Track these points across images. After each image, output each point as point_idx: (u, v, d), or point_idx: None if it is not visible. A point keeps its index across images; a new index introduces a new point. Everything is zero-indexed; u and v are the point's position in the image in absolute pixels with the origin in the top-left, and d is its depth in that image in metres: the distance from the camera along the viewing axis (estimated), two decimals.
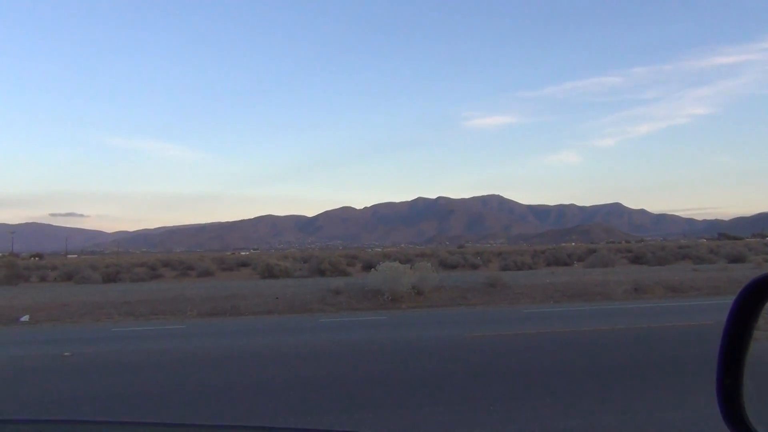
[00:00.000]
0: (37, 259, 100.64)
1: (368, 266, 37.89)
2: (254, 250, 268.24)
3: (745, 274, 24.71)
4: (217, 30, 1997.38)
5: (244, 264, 63.13)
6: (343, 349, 11.33)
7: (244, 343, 12.64)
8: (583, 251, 69.36)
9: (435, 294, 21.09)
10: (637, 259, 54.23)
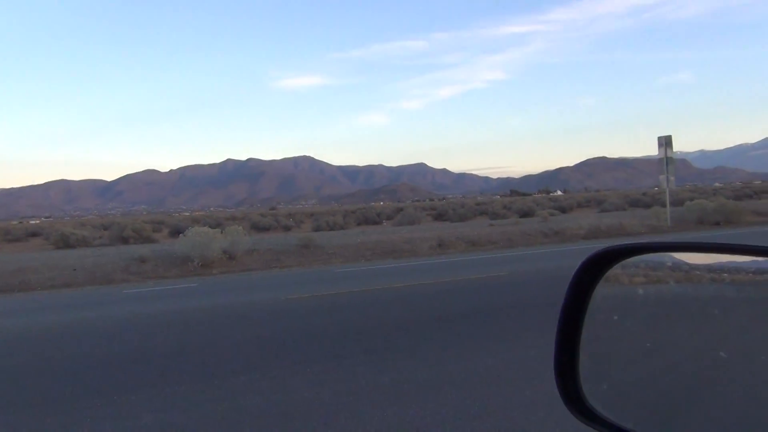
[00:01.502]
0: None
1: (176, 232, 36.28)
2: (46, 218, 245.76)
3: (534, 227, 27.19)
4: None
5: (34, 234, 57.43)
6: (151, 321, 10.73)
7: (37, 321, 11.51)
8: (391, 210, 72.06)
9: (248, 258, 20.74)
10: (440, 216, 57.43)
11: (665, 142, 26.00)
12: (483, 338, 7.77)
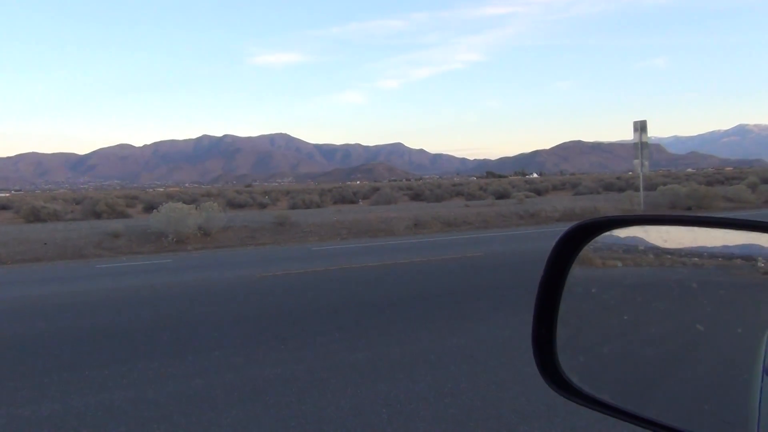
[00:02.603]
0: None
1: (150, 207, 35.75)
2: (16, 191, 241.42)
3: (510, 209, 27.38)
4: None
5: (4, 207, 56.38)
6: (124, 296, 10.62)
7: (6, 295, 11.34)
8: (368, 189, 71.95)
9: (223, 234, 20.60)
10: (416, 197, 57.51)
11: (640, 126, 26.22)
12: (456, 318, 7.82)
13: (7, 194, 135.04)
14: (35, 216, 35.21)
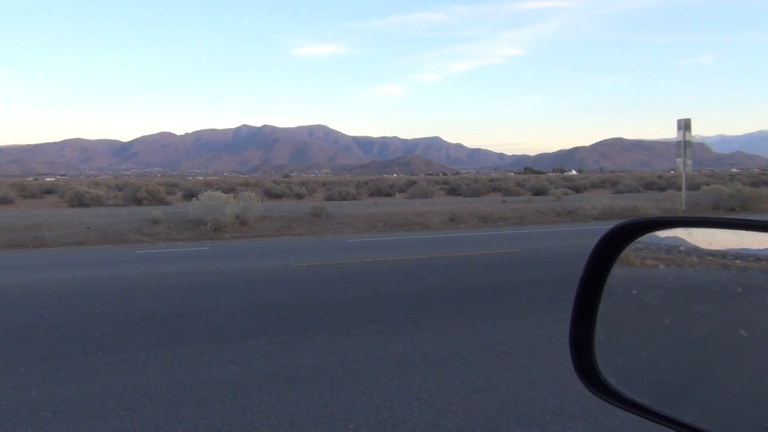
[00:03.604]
0: None
1: (189, 195, 36.39)
2: (61, 176, 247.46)
3: (547, 205, 27.06)
4: None
5: (49, 191, 57.73)
6: (162, 282, 10.82)
7: (49, 277, 11.63)
8: (404, 183, 71.87)
9: (259, 224, 20.82)
10: (453, 191, 57.19)
11: (684, 125, 25.66)
12: (491, 313, 7.78)
13: (53, 179, 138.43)
14: (79, 201, 36.01)
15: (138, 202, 36.38)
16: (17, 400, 4.93)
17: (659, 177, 74.65)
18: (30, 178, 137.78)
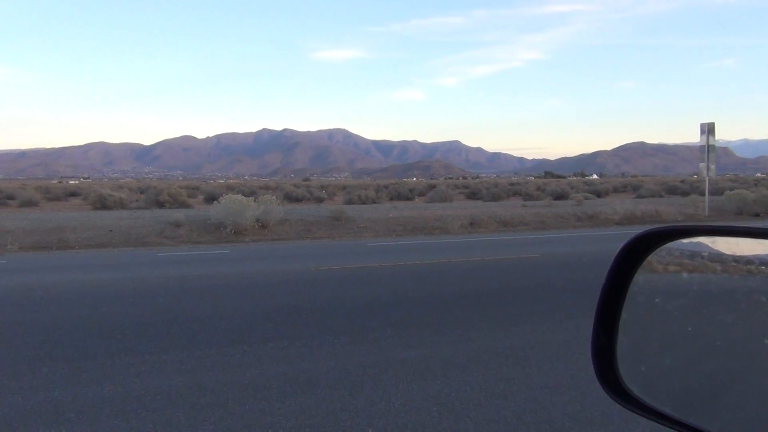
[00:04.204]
0: None
1: (211, 198, 36.70)
2: (85, 179, 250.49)
3: (568, 210, 26.87)
4: None
5: (73, 194, 58.56)
6: (184, 285, 10.92)
7: (72, 279, 11.79)
8: (424, 186, 71.76)
9: (280, 227, 20.92)
10: (473, 195, 57.04)
11: (708, 129, 25.37)
12: (510, 318, 7.75)
13: (77, 181, 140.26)
14: (102, 203, 36.44)
15: (160, 205, 36.74)
16: (41, 401, 5.01)
17: (682, 181, 73.82)
18: (54, 181, 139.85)
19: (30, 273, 12.76)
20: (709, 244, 1.20)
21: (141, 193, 51.20)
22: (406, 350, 6.31)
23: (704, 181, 27.08)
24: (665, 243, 1.22)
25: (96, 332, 7.36)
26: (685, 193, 45.50)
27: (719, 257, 1.18)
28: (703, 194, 27.88)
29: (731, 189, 32.15)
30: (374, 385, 5.21)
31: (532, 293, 9.53)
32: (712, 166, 25.54)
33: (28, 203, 43.74)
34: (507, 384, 5.18)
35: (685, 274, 1.25)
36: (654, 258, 1.24)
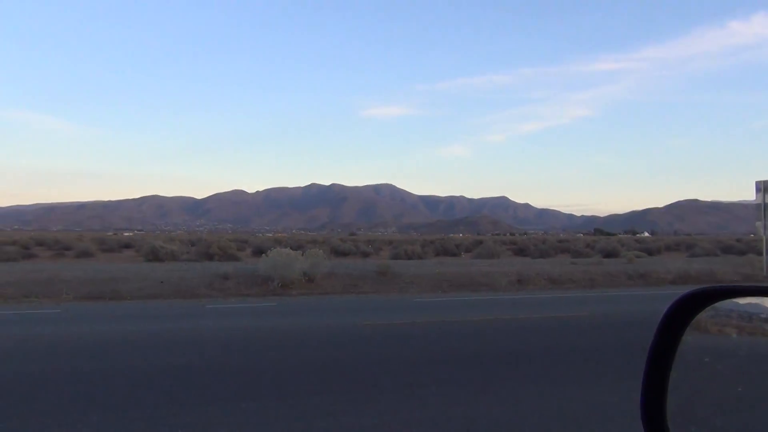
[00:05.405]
0: None
1: (259, 251, 37.24)
2: (138, 231, 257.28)
3: (618, 268, 26.32)
4: None
5: (127, 245, 60.27)
6: (230, 337, 11.03)
7: (124, 328, 12.04)
8: (471, 242, 71.44)
9: (326, 281, 21.02)
10: (520, 251, 56.41)
11: (764, 187, 24.75)
12: (560, 379, 7.57)
13: (131, 234, 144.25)
14: (154, 255, 37.35)
15: (210, 257, 37.42)
16: None
17: (738, 240, 71.61)
18: (110, 233, 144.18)
19: (83, 322, 13.09)
20: (763, 304, 1.19)
21: (192, 245, 52.25)
22: (451, 408, 6.21)
23: (761, 240, 26.25)
24: (713, 302, 1.22)
25: (145, 382, 7.47)
26: (741, 252, 44.15)
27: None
28: (760, 253, 26.98)
29: None
30: None
31: (581, 353, 9.30)
32: None
33: (84, 254, 45.19)
34: None
35: (735, 334, 1.24)
36: (704, 317, 1.23)
